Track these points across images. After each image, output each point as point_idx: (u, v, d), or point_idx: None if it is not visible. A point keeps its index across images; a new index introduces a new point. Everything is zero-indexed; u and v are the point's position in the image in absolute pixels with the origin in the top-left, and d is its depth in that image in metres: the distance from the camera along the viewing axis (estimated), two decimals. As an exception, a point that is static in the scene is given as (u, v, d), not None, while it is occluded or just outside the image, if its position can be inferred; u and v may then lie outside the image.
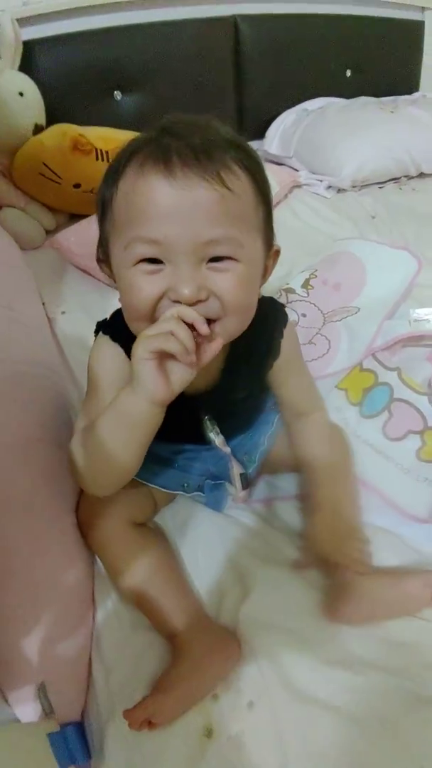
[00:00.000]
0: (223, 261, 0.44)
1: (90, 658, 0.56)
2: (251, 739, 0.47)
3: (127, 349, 0.49)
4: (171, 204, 0.42)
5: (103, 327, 0.56)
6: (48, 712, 0.49)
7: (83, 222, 1.14)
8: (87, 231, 1.10)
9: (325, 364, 0.81)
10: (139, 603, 0.56)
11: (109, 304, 1.08)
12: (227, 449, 0.61)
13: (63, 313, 1.02)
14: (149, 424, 0.48)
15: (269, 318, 0.59)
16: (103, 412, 0.49)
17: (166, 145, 0.43)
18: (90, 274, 1.11)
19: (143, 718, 0.47)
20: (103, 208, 0.48)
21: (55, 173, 1.16)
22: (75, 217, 1.26)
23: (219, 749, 0.47)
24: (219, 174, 0.43)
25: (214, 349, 0.45)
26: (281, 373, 0.62)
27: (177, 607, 0.55)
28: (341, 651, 0.51)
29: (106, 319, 0.57)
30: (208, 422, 0.59)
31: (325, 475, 0.62)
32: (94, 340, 0.57)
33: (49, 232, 1.27)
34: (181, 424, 0.60)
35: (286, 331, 0.60)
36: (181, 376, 0.45)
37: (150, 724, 0.47)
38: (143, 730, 0.47)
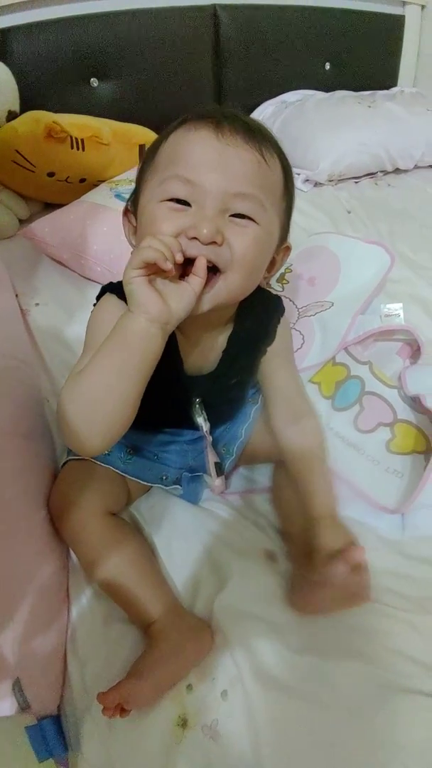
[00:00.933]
0: (244, 219, 0.48)
1: (65, 652, 0.56)
2: (225, 727, 0.48)
3: None
4: (213, 153, 0.47)
5: (109, 288, 0.55)
6: (24, 707, 0.49)
7: (58, 212, 1.11)
8: (62, 221, 1.08)
9: (299, 359, 0.82)
10: (114, 593, 0.57)
11: (84, 297, 1.08)
12: (210, 437, 0.62)
13: (37, 305, 1.00)
14: (147, 347, 0.45)
15: (270, 306, 0.63)
16: (100, 346, 0.46)
17: (220, 117, 0.49)
18: (65, 266, 1.09)
19: (116, 702, 0.47)
20: (148, 155, 0.53)
21: (28, 161, 1.13)
22: (50, 207, 1.24)
23: (194, 738, 0.48)
24: (260, 146, 0.48)
25: (199, 267, 0.46)
26: (274, 359, 0.64)
27: (152, 597, 0.55)
28: (312, 639, 0.53)
29: (112, 282, 0.56)
30: (197, 406, 0.60)
31: (320, 487, 0.61)
32: (97, 302, 0.55)
33: (22, 222, 1.25)
34: (171, 406, 0.60)
35: (283, 320, 0.64)
36: (178, 297, 0.46)
37: (123, 710, 0.47)
38: (116, 717, 0.47)
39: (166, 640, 0.52)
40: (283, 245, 0.56)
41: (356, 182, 1.54)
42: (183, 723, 0.49)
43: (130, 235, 0.56)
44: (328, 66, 1.79)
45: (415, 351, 0.86)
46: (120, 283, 0.54)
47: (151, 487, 0.68)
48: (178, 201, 0.47)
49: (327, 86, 1.75)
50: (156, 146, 0.52)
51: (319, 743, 0.47)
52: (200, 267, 0.46)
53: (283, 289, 0.95)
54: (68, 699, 0.53)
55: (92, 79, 1.41)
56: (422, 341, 0.84)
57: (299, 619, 0.54)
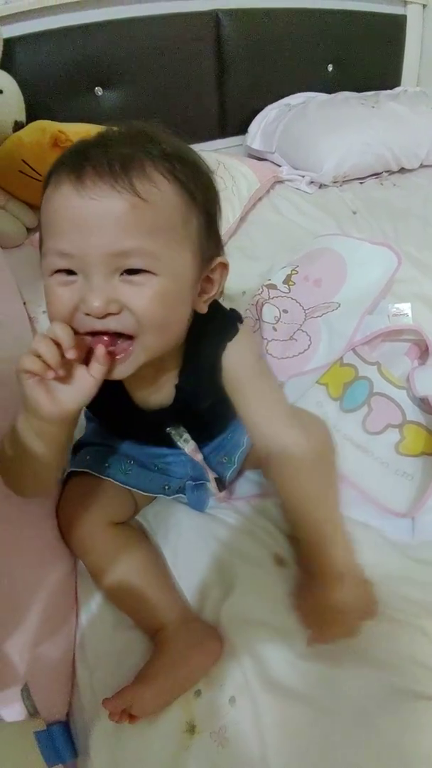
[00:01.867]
0: (140, 274, 0.43)
1: (74, 658, 0.56)
2: (233, 734, 0.48)
3: None
4: (79, 214, 0.41)
5: None
6: (32, 712, 0.49)
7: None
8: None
9: (305, 361, 0.82)
10: (122, 601, 0.57)
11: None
12: (199, 456, 0.61)
13: (44, 312, 1.01)
14: (50, 438, 0.47)
15: (213, 333, 0.54)
16: (15, 422, 0.48)
17: (86, 156, 0.42)
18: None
19: (122, 707, 0.47)
20: (39, 217, 0.48)
21: (34, 170, 1.15)
22: (56, 215, 1.25)
23: (202, 745, 0.47)
24: (132, 184, 0.41)
25: (99, 355, 0.43)
26: (235, 393, 0.55)
27: (160, 603, 0.55)
28: (321, 645, 0.52)
29: None
30: (173, 434, 0.59)
31: (310, 517, 0.56)
32: None
33: (30, 230, 1.26)
34: (152, 435, 0.60)
35: (232, 344, 0.54)
36: (73, 392, 0.44)
37: (131, 717, 0.47)
38: (124, 722, 0.47)
39: (174, 647, 0.51)
40: (212, 265, 0.50)
41: (361, 183, 1.54)
42: (191, 729, 0.48)
43: None
44: (330, 68, 1.79)
45: (423, 352, 0.86)
46: None
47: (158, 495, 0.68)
48: (68, 271, 0.43)
49: (330, 88, 1.75)
50: (41, 206, 0.46)
51: (327, 750, 0.46)
52: (99, 355, 0.43)
53: (290, 290, 0.95)
54: (77, 705, 0.53)
55: (97, 88, 1.42)
56: (430, 341, 0.83)
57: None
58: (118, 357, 0.45)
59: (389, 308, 0.86)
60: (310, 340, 0.84)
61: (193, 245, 0.46)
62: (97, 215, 0.41)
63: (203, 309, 0.51)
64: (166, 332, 0.47)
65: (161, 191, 0.43)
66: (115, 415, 0.59)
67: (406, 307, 0.86)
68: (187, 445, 0.60)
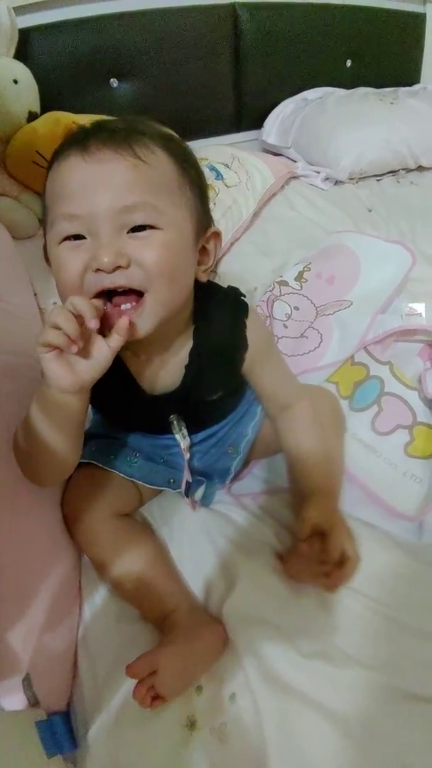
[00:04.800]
0: (145, 230, 0.45)
1: (76, 650, 0.56)
2: (233, 731, 0.47)
3: None
4: (85, 178, 0.44)
5: None
6: (33, 702, 0.49)
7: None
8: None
9: (316, 358, 0.81)
10: (127, 592, 0.57)
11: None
12: (187, 455, 0.62)
13: (54, 304, 1.01)
14: (66, 412, 0.48)
15: (228, 310, 0.57)
16: (32, 403, 0.49)
17: (88, 133, 0.46)
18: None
19: (148, 670, 0.47)
20: (42, 198, 0.50)
21: (47, 160, 1.14)
22: (69, 207, 1.25)
23: (202, 740, 0.47)
24: (133, 149, 0.45)
25: (121, 327, 0.45)
26: (255, 366, 0.60)
27: (167, 590, 0.55)
28: (323, 644, 0.52)
29: None
30: (175, 423, 0.60)
31: (315, 469, 0.62)
32: None
33: (41, 220, 1.26)
34: (156, 424, 0.61)
35: (249, 321, 0.58)
36: (91, 362, 0.45)
37: (154, 699, 0.47)
38: (146, 707, 0.46)
39: (186, 626, 0.52)
40: (207, 234, 0.53)
41: (378, 180, 1.52)
42: (191, 724, 0.48)
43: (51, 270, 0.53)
44: (349, 63, 1.76)
45: (435, 352, 0.84)
46: None
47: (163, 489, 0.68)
48: (73, 237, 0.45)
49: (348, 83, 1.73)
50: (44, 186, 0.49)
51: (327, 749, 0.46)
52: (122, 326, 0.44)
53: (302, 287, 0.94)
54: (78, 696, 0.54)
55: (112, 79, 1.41)
56: (444, 342, 0.82)
57: (310, 623, 0.54)
58: (133, 312, 0.46)
59: (403, 307, 0.85)
60: (321, 337, 0.83)
61: (189, 210, 0.49)
62: (103, 177, 0.44)
63: (203, 278, 0.54)
64: (174, 284, 0.48)
65: (159, 158, 0.47)
66: (119, 403, 0.59)
67: (420, 307, 0.85)
68: (183, 441, 0.61)
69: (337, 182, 1.49)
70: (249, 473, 0.72)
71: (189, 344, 0.56)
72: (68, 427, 0.49)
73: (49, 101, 1.24)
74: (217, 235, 0.54)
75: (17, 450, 0.53)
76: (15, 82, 1.17)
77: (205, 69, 1.51)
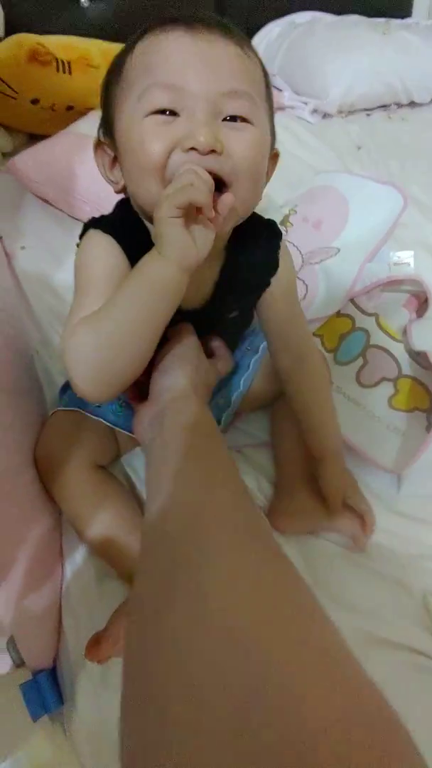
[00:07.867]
0: (239, 121, 0.43)
1: (60, 609, 0.56)
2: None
3: (122, 243, 0.46)
4: (193, 52, 0.41)
5: (92, 223, 0.49)
6: (18, 663, 0.49)
7: (42, 143, 1.03)
8: (46, 154, 1.00)
9: (301, 310, 0.78)
10: (100, 548, 0.56)
11: (73, 240, 1.02)
12: None
13: (23, 248, 0.95)
14: (176, 293, 0.43)
15: (263, 230, 0.55)
16: (121, 288, 0.43)
17: (190, 18, 0.43)
18: (51, 204, 1.02)
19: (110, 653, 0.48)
20: (112, 75, 0.45)
21: (10, 87, 1.04)
22: (35, 138, 1.15)
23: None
24: (240, 41, 0.43)
25: (227, 203, 0.41)
26: (278, 298, 0.56)
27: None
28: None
29: (94, 217, 0.50)
30: None
31: (332, 429, 0.61)
32: (80, 241, 0.49)
33: (6, 155, 1.16)
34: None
35: (282, 246, 0.56)
36: (204, 240, 0.41)
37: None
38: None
39: None
40: (271, 152, 0.50)
41: (368, 115, 1.43)
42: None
43: (107, 172, 0.49)
44: (340, -15, 1.62)
45: (422, 303, 0.82)
46: (103, 217, 0.50)
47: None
48: (164, 112, 0.41)
49: (338, 9, 1.59)
50: (121, 61, 0.45)
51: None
52: (226, 204, 0.41)
53: (287, 232, 0.89)
54: (63, 655, 0.54)
55: (82, -2, 1.27)
56: (431, 293, 0.79)
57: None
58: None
59: (390, 256, 0.82)
60: (306, 289, 0.79)
61: (269, 119, 0.47)
62: (211, 56, 0.41)
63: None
64: (255, 186, 0.45)
65: (256, 59, 0.45)
66: None
67: (407, 256, 0.82)
68: None
69: (325, 115, 1.40)
70: (233, 427, 0.70)
71: (221, 261, 0.52)
72: (171, 307, 0.43)
73: (14, 24, 1.13)
74: (276, 156, 0.52)
75: (83, 356, 0.42)
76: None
77: (183, -17, 1.37)
